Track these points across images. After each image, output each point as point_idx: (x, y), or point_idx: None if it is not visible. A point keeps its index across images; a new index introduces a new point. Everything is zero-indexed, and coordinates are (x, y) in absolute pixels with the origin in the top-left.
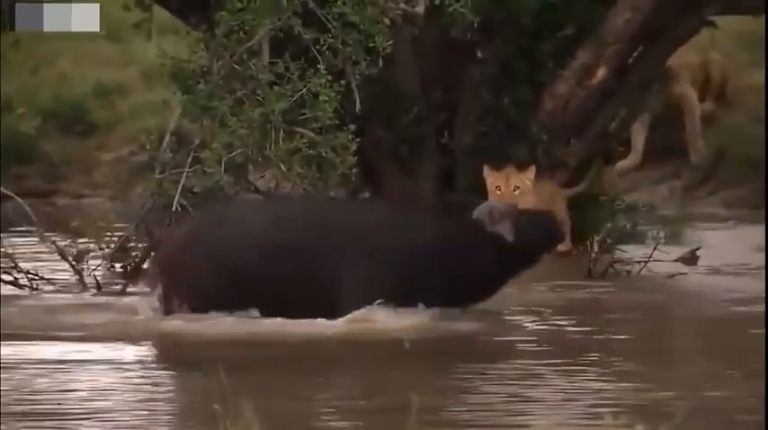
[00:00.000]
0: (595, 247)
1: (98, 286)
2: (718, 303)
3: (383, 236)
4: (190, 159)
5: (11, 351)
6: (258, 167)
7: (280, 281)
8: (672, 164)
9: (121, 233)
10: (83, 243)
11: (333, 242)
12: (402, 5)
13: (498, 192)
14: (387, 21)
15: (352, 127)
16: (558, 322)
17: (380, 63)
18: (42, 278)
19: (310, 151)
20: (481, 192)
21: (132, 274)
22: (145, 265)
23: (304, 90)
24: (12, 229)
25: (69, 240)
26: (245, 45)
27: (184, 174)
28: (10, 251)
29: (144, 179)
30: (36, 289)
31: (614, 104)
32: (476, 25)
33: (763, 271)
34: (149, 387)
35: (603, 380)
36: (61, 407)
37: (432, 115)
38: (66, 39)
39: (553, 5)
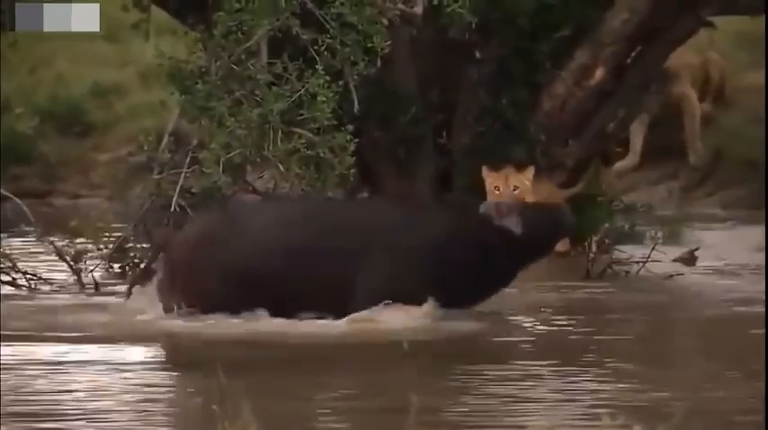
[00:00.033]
0: (594, 248)
1: (96, 286)
2: (718, 303)
3: (398, 234)
4: (188, 160)
5: (9, 351)
6: (256, 168)
7: (292, 281)
8: (670, 164)
9: (120, 233)
10: (81, 243)
11: (346, 242)
12: (400, 6)
13: (497, 193)
14: (385, 21)
15: (351, 127)
16: (557, 322)
17: (378, 63)
18: (40, 278)
19: (308, 151)
20: (479, 192)
21: (137, 275)
22: (147, 266)
23: (302, 90)
24: (10, 230)
25: (67, 240)
26: (244, 45)
27: (182, 174)
28: (8, 251)
29: (142, 179)
30: (34, 289)
31: (612, 105)
32: (474, 26)
33: (763, 271)
34: (148, 387)
35: (602, 381)
36: (59, 407)
37: (429, 115)
38: (63, 39)
39: (550, 6)
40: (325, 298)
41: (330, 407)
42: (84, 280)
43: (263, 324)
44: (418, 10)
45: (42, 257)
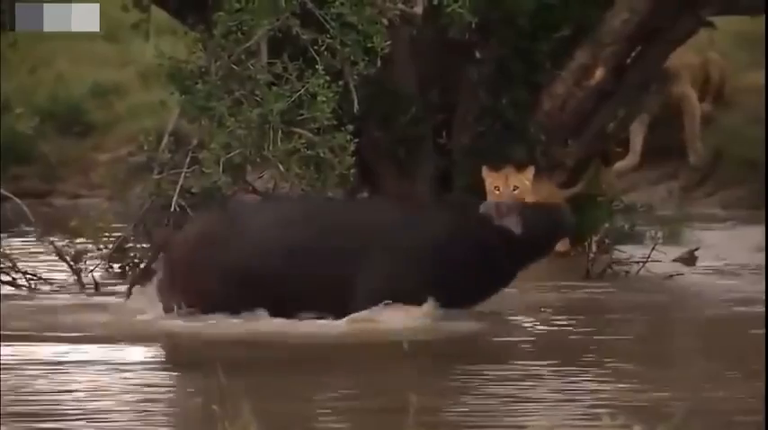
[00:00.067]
0: (594, 248)
1: (96, 286)
2: (718, 303)
3: (398, 234)
4: (188, 160)
5: (9, 351)
6: (256, 168)
7: (292, 281)
8: (670, 164)
9: (119, 233)
10: (81, 243)
11: (346, 242)
12: (400, 6)
13: (497, 192)
14: (385, 21)
15: (351, 127)
16: (557, 322)
17: (378, 63)
18: (40, 278)
19: (308, 152)
20: (479, 192)
21: (137, 275)
22: (147, 266)
23: (302, 90)
24: (10, 230)
25: (67, 240)
26: (244, 45)
27: (182, 174)
28: (8, 251)
29: (142, 179)
30: (34, 289)
31: (612, 105)
32: (473, 26)
33: (763, 271)
34: (148, 387)
35: (602, 381)
36: (59, 407)
37: (429, 115)
38: (63, 39)
39: (550, 6)
40: (325, 298)
41: (330, 408)
42: (84, 280)
43: (263, 324)
44: (418, 10)
45: (42, 257)
